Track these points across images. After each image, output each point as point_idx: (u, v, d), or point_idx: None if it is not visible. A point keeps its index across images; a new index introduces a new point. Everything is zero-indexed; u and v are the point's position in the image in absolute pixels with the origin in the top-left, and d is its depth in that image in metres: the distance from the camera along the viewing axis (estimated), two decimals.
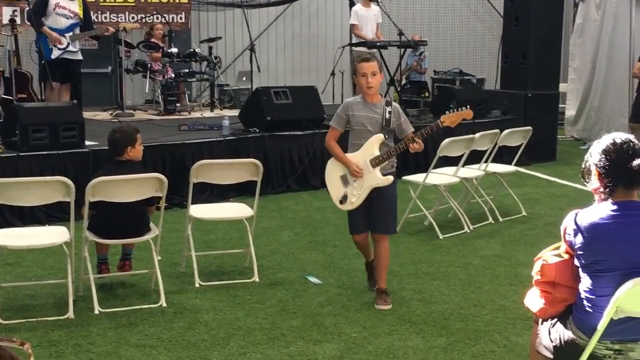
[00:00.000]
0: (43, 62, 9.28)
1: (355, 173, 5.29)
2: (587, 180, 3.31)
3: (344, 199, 5.38)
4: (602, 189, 3.22)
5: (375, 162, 5.25)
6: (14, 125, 7.61)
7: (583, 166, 3.33)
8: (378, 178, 5.29)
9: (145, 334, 4.81)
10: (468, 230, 7.31)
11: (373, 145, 5.27)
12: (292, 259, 6.41)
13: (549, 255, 3.36)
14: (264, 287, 5.72)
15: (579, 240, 3.16)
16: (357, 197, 5.33)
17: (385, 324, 5.02)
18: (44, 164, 7.48)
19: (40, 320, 4.99)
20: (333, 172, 5.46)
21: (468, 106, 5.29)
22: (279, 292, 5.61)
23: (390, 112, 5.28)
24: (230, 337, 4.78)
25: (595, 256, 3.14)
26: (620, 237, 3.11)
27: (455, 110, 5.22)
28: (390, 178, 5.34)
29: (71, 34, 9.53)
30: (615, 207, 3.16)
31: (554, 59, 11.47)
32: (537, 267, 3.34)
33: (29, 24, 9.87)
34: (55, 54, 9.44)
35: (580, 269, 3.21)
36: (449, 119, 5.22)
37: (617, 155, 3.18)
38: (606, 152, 3.20)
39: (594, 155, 3.25)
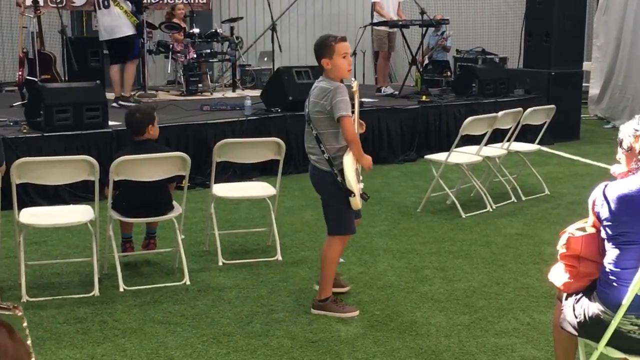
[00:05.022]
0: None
1: (370, 166, 4.80)
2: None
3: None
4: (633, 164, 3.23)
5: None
6: (38, 106, 7.66)
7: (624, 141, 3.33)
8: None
9: (170, 312, 4.85)
10: (491, 209, 7.29)
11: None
12: (314, 238, 6.42)
13: (575, 230, 3.35)
14: (286, 266, 5.75)
15: (606, 211, 3.15)
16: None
17: (407, 301, 5.03)
18: (68, 144, 7.53)
19: (66, 297, 5.05)
20: (351, 168, 4.69)
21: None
22: (302, 271, 5.63)
23: None
24: (254, 314, 4.81)
25: (621, 228, 3.13)
26: None
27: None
28: None
29: None
30: None
31: (577, 37, 11.35)
32: (562, 240, 3.33)
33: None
34: None
35: (606, 241, 3.20)
36: None
37: None
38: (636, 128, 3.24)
39: (627, 130, 3.27)
